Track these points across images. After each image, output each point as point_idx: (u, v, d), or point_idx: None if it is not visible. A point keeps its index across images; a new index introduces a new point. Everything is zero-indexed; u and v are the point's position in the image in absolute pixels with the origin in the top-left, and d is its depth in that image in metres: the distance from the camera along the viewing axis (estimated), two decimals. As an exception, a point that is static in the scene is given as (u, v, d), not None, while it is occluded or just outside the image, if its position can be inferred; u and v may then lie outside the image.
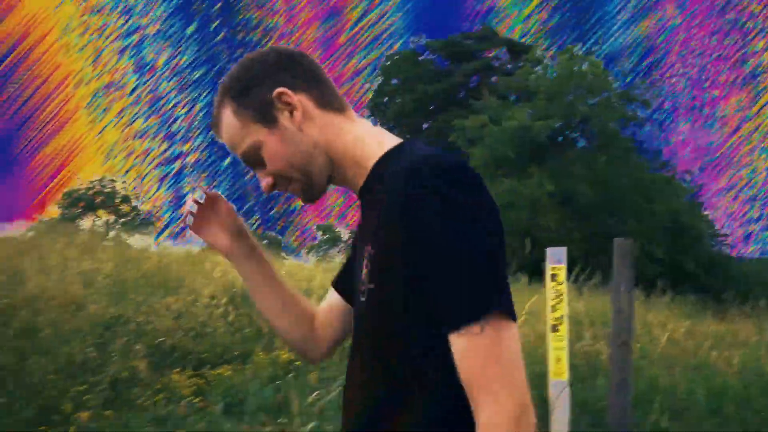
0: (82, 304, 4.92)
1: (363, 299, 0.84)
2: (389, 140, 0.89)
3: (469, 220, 0.75)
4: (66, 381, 3.58)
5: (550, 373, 3.19)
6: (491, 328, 0.73)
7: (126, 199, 25.12)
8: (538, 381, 3.57)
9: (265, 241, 21.62)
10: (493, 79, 21.82)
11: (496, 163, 15.74)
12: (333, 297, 1.06)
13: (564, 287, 3.27)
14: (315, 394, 3.23)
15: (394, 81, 24.37)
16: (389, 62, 24.26)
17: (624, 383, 2.98)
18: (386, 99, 24.78)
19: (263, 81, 0.88)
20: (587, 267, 7.08)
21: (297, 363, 4.15)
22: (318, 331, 1.06)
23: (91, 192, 24.20)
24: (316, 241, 27.65)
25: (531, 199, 14.62)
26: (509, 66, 22.51)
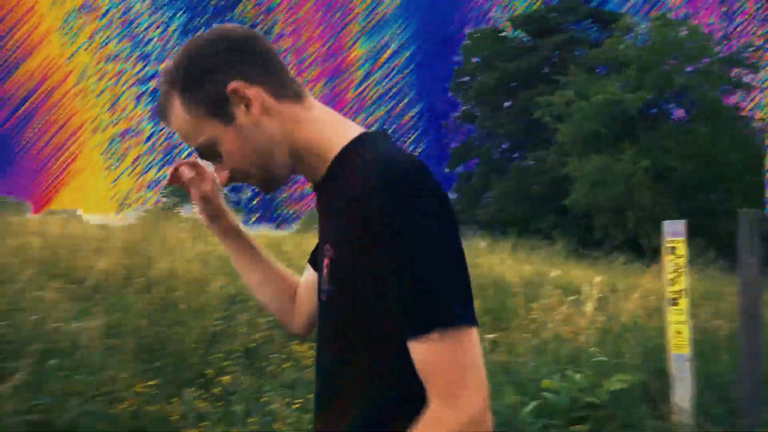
0: (205, 282, 5.37)
1: (323, 299, 0.84)
2: (348, 130, 0.86)
3: (437, 228, 0.74)
4: (205, 349, 3.96)
5: (670, 347, 3.16)
6: (451, 335, 0.71)
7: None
8: (654, 355, 3.54)
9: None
10: (579, 51, 20.97)
11: (585, 140, 15.21)
12: (309, 274, 1.06)
13: (683, 260, 3.21)
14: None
15: (475, 59, 24.02)
16: (469, 41, 23.91)
17: (754, 357, 2.90)
18: (467, 78, 24.48)
19: (215, 73, 0.81)
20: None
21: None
22: (298, 306, 1.08)
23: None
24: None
25: (624, 175, 14.03)
26: (596, 37, 21.52)
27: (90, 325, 3.59)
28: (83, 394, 2.90)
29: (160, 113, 0.87)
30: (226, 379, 3.58)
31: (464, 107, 25.20)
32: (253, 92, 0.82)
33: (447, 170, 25.46)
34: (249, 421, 3.08)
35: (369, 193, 0.74)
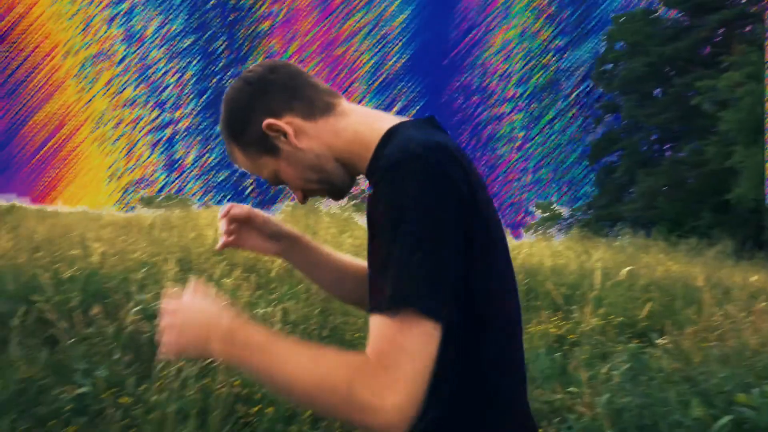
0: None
1: None
2: (383, 123, 0.90)
3: (417, 214, 0.74)
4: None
5: None
6: (401, 318, 0.72)
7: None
8: None
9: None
10: (748, 28, 18.69)
11: (757, 127, 13.53)
12: None
13: None
14: (606, 366, 3.23)
15: (620, 45, 22.43)
16: (614, 26, 22.38)
17: None
18: (610, 66, 22.96)
19: (250, 119, 0.91)
20: None
21: (569, 336, 4.19)
22: None
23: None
24: (536, 219, 27.06)
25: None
26: (768, 11, 19.01)
27: (268, 311, 3.92)
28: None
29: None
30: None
31: (605, 97, 23.68)
32: (284, 123, 0.91)
33: (587, 165, 24.13)
34: None
35: (374, 183, 0.80)
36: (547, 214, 26.97)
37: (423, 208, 0.76)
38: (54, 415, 2.88)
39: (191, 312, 0.81)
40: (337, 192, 0.97)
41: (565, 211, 25.67)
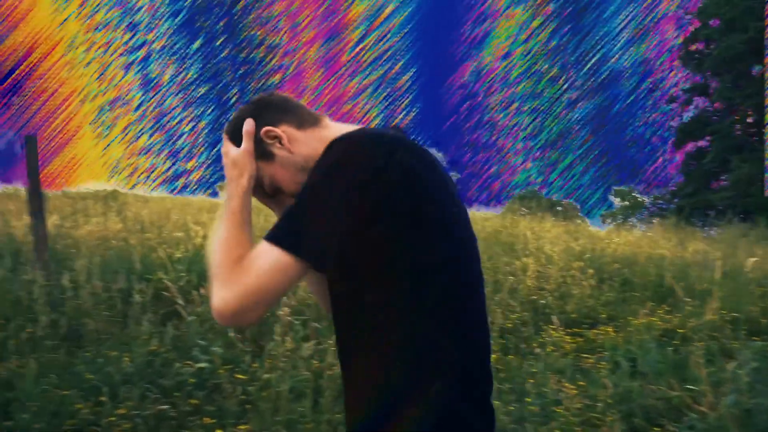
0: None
1: None
2: (354, 129, 1.06)
3: (330, 183, 0.94)
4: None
5: None
6: (270, 247, 0.93)
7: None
8: None
9: (560, 208, 21.22)
10: None
11: None
12: None
13: None
14: (731, 364, 3.04)
15: (713, 22, 20.94)
16: (708, 2, 20.90)
17: None
18: (701, 46, 21.50)
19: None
20: None
21: (680, 330, 3.98)
22: None
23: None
24: (613, 209, 25.97)
25: None
26: None
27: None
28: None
29: None
30: (493, 357, 3.66)
31: (694, 79, 22.21)
32: (279, 130, 1.08)
33: (674, 150, 22.81)
34: (525, 400, 3.11)
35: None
36: (627, 202, 25.81)
37: (328, 180, 0.94)
38: (177, 388, 3.04)
39: (231, 157, 1.09)
40: None
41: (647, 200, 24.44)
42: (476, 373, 1.00)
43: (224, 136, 1.12)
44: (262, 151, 1.08)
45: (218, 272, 0.96)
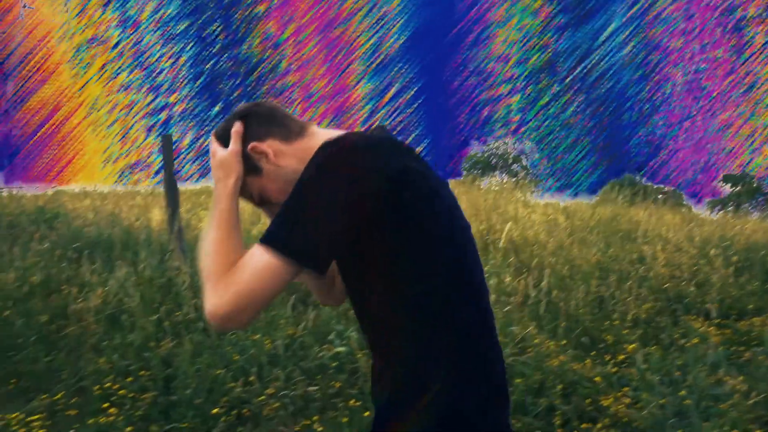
0: (558, 248, 5.38)
1: None
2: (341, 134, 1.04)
3: (321, 183, 0.93)
4: (593, 315, 3.93)
5: None
6: (262, 250, 0.93)
7: (517, 159, 26.84)
8: None
9: (661, 196, 19.97)
10: None
11: None
12: None
13: None
14: None
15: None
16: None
17: None
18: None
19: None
20: None
21: None
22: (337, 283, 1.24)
23: (488, 155, 26.75)
24: (721, 196, 24.04)
25: None
26: None
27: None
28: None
29: None
30: (631, 347, 3.48)
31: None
32: (265, 145, 1.07)
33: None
34: (663, 391, 2.91)
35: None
36: (738, 188, 23.81)
37: (319, 180, 0.94)
38: (319, 370, 3.13)
39: (219, 158, 1.08)
40: None
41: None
42: (479, 373, 0.99)
43: (212, 137, 1.11)
44: (249, 167, 1.07)
45: (209, 277, 0.95)
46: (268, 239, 0.93)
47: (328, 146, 0.97)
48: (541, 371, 3.07)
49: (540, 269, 4.75)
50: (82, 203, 7.09)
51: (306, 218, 0.93)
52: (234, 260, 0.95)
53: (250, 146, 1.07)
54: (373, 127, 1.14)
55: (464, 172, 26.69)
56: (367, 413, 2.77)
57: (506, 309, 3.76)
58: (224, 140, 1.09)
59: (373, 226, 0.93)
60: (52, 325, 3.62)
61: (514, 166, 26.84)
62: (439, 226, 0.98)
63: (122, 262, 4.14)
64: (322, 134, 1.09)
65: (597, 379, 3.09)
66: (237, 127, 1.07)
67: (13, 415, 2.82)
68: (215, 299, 0.93)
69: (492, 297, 3.70)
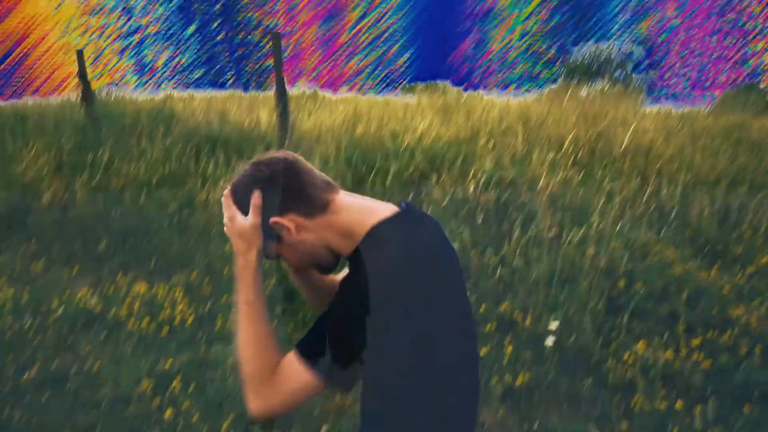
0: (677, 156, 5.03)
1: None
2: (370, 219, 1.05)
3: (356, 313, 0.97)
4: (719, 225, 3.69)
5: None
6: (300, 365, 0.99)
7: (622, 65, 24.85)
8: None
9: None
10: None
11: None
12: None
13: None
14: None
15: None
16: None
17: None
18: None
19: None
20: None
21: None
22: None
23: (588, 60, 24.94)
24: None
25: None
26: None
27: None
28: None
29: None
30: (765, 259, 3.25)
31: None
32: (287, 221, 1.06)
33: None
34: None
35: (351, 268, 1.04)
36: None
37: (357, 301, 0.97)
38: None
39: (238, 228, 1.06)
40: (323, 270, 1.14)
41: None
42: None
43: (228, 197, 1.09)
44: (268, 234, 1.08)
45: (251, 381, 1.02)
46: (310, 357, 0.99)
47: (361, 256, 1.01)
48: (662, 278, 2.96)
49: (658, 176, 4.51)
50: (190, 105, 7.42)
51: (344, 341, 0.99)
52: (271, 364, 1.02)
53: (271, 221, 1.06)
54: (399, 206, 1.11)
55: (560, 78, 25.19)
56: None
57: (626, 217, 3.61)
58: (242, 206, 1.07)
59: (387, 330, 1.00)
60: (181, 213, 3.91)
61: (618, 72, 24.93)
62: (423, 344, 1.02)
63: (237, 159, 4.33)
64: (346, 211, 1.08)
65: (726, 289, 2.93)
66: (256, 200, 1.06)
67: (159, 287, 3.12)
68: (260, 402, 1.02)
69: (614, 202, 3.59)
